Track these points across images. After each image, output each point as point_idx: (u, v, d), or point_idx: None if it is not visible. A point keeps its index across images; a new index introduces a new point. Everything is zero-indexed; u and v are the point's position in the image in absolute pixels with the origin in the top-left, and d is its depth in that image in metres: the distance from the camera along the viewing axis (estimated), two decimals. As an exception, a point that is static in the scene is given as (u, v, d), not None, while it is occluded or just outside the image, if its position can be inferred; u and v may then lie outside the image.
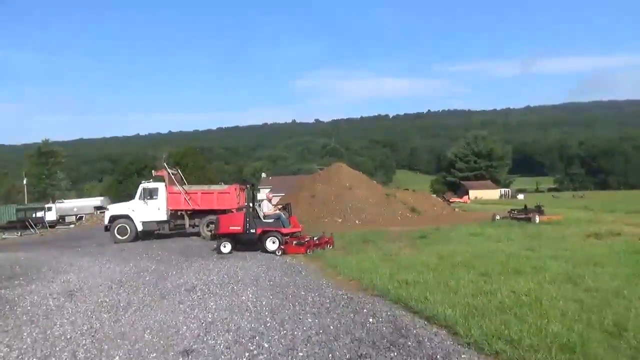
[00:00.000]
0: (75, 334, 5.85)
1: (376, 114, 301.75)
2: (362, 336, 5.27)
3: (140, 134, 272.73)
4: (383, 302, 6.77)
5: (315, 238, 13.16)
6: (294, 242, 12.76)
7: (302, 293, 7.62)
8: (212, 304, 7.15)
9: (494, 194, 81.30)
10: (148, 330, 5.86)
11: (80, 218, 43.79)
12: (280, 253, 12.37)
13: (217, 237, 13.71)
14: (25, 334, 5.97)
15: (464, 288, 7.13)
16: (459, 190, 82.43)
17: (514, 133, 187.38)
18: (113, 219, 19.16)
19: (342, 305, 6.67)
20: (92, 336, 5.74)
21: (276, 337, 5.37)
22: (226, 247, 13.19)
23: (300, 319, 6.09)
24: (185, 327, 5.92)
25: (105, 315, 6.70)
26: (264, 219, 13.39)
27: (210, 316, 6.42)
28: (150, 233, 19.81)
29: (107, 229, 19.32)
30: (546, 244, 12.01)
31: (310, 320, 6.00)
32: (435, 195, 41.31)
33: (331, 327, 5.65)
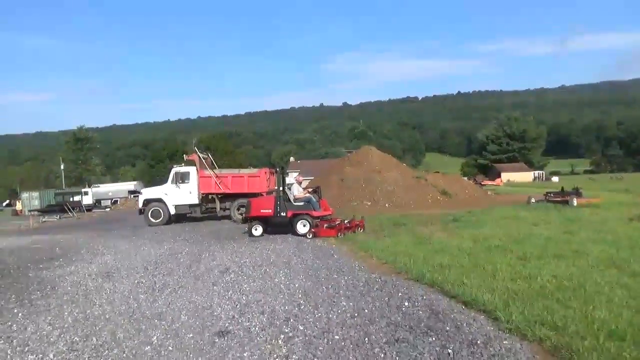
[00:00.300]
0: (113, 314, 5.97)
1: (405, 96, 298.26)
2: (398, 320, 5.17)
3: (171, 119, 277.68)
4: (418, 285, 6.64)
5: (346, 221, 13.07)
6: (325, 225, 12.70)
7: (335, 276, 7.57)
8: (245, 285, 7.18)
9: (527, 176, 79.22)
10: (184, 311, 5.92)
11: (115, 202, 45.13)
12: (311, 236, 12.36)
13: (248, 220, 13.80)
14: (66, 313, 6.14)
15: (501, 272, 6.91)
16: (491, 172, 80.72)
17: (548, 114, 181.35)
18: (147, 202, 19.57)
19: (376, 289, 6.58)
20: (130, 316, 5.85)
21: (311, 319, 5.34)
22: (257, 230, 13.28)
23: (334, 301, 6.04)
24: (220, 309, 5.96)
25: (142, 296, 6.82)
26: (295, 202, 13.38)
27: (244, 298, 6.44)
28: (182, 216, 20.18)
29: (141, 212, 19.77)
30: (586, 228, 11.58)
31: (344, 303, 5.94)
32: (466, 178, 40.53)
33: (366, 311, 5.57)
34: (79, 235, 17.10)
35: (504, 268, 7.18)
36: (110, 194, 47.75)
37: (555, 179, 72.83)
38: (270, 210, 13.15)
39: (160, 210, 19.31)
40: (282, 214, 13.04)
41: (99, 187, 50.00)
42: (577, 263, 7.38)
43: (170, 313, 5.89)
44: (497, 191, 36.45)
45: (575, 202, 18.03)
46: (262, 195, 18.51)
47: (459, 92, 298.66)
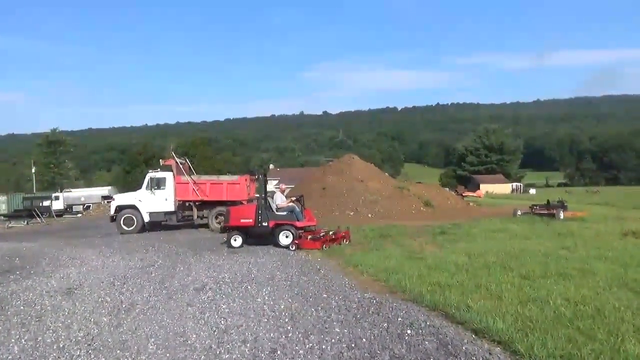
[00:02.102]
0: (69, 342, 5.10)
1: (384, 107, 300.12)
2: (403, 353, 4.48)
3: (149, 124, 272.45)
4: (418, 308, 5.96)
5: (331, 232, 12.36)
6: (309, 237, 11.97)
7: (324, 295, 6.84)
8: (224, 306, 6.39)
9: (505, 188, 79.87)
10: (152, 339, 5.11)
11: (88, 207, 43.42)
12: (294, 248, 11.60)
13: (227, 230, 12.95)
14: (13, 340, 5.24)
15: (507, 293, 6.32)
16: (470, 184, 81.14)
17: (524, 127, 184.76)
18: (119, 209, 18.50)
19: (372, 312, 5.88)
20: (88, 345, 5.00)
21: (301, 351, 4.60)
22: (237, 241, 12.45)
23: (326, 328, 5.31)
24: (194, 336, 5.17)
25: (105, 319, 5.96)
26: (277, 211, 12.62)
27: (222, 322, 5.65)
28: (157, 224, 19.15)
29: (113, 219, 18.67)
30: (582, 243, 11.13)
31: (338, 329, 5.22)
32: (448, 189, 40.31)
33: (364, 340, 4.86)
34: (44, 243, 15.93)
35: (508, 288, 6.59)
36: (82, 199, 45.88)
37: (532, 191, 73.67)
38: (251, 220, 12.34)
39: (134, 218, 18.26)
40: (263, 224, 12.25)
41: (70, 191, 48.09)
42: (585, 283, 6.83)
43: (136, 341, 5.07)
44: (479, 203, 36.26)
45: (562, 215, 17.75)
46: (242, 203, 17.70)
47: (437, 104, 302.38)
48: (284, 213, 12.58)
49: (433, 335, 4.94)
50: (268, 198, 12.82)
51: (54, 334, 5.40)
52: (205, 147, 77.88)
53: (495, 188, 75.23)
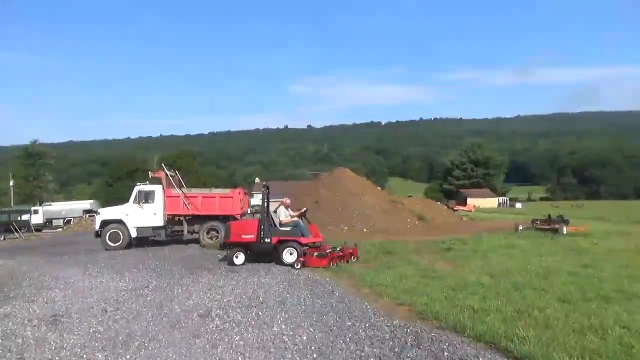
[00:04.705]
0: (59, 387, 4.27)
1: (368, 121, 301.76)
2: (467, 400, 3.76)
3: (131, 137, 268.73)
4: (461, 339, 5.24)
5: (337, 249, 11.62)
6: (315, 254, 11.19)
7: (348, 323, 6.09)
8: (237, 337, 5.59)
9: (492, 202, 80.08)
10: (160, 382, 4.30)
11: (68, 222, 41.87)
12: (299, 266, 10.82)
13: (227, 246, 12.11)
14: (-10, 385, 4.38)
15: (555, 320, 5.66)
16: (456, 197, 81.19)
17: (505, 142, 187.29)
18: (105, 223, 17.43)
19: (411, 344, 5.15)
20: (84, 391, 4.17)
21: (345, 399, 3.84)
22: (239, 258, 11.60)
23: (364, 366, 4.56)
24: (210, 378, 4.37)
25: (100, 355, 5.10)
26: (281, 226, 11.85)
27: (240, 359, 4.86)
28: (144, 240, 18.13)
29: (97, 234, 17.58)
30: (600, 260, 10.60)
31: (379, 368, 4.48)
32: (439, 203, 39.87)
33: (414, 382, 4.13)
34: (23, 261, 14.80)
35: (554, 315, 5.94)
36: (63, 213, 44.29)
37: (518, 205, 74.02)
38: (252, 236, 11.54)
39: (120, 233, 17.21)
40: (266, 240, 11.45)
41: (50, 205, 46.41)
42: (635, 308, 6.22)
43: (141, 385, 4.25)
44: (471, 217, 35.92)
45: (565, 230, 17.33)
46: (235, 218, 16.88)
47: (421, 119, 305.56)
48: (288, 229, 11.82)
49: (493, 375, 4.23)
50: (271, 213, 12.05)
51: (41, 376, 4.55)
52: (190, 160, 76.62)
53: (482, 202, 75.37)
